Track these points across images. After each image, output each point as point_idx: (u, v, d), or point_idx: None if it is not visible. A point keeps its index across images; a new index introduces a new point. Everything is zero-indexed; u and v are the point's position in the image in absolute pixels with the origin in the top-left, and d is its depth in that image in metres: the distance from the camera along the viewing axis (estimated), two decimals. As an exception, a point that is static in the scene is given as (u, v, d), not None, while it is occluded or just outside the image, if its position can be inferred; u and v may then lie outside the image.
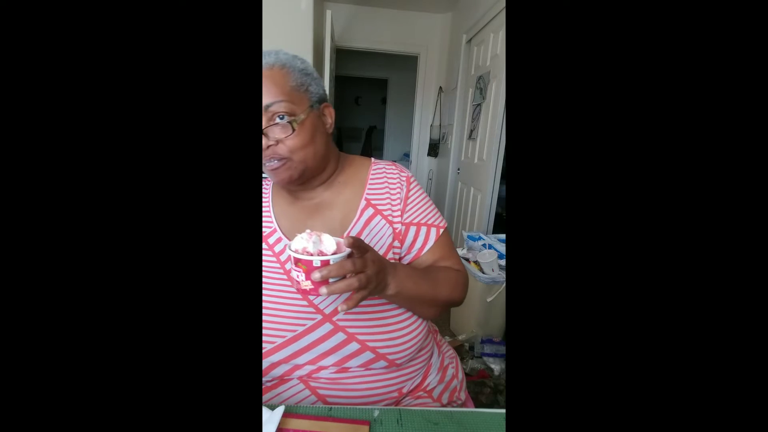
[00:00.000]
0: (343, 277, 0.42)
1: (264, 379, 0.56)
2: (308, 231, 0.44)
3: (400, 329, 0.56)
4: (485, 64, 2.30)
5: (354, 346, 0.54)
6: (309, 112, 0.56)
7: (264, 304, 0.56)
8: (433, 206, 0.66)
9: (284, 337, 0.54)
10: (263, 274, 0.59)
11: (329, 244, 0.43)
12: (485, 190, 2.19)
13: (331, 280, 0.42)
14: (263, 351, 0.54)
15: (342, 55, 3.41)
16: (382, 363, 0.55)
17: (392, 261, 0.57)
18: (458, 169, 2.79)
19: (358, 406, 0.50)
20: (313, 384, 0.54)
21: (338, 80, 3.47)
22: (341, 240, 0.44)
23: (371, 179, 0.64)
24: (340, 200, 0.63)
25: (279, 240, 0.61)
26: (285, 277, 0.58)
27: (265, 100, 0.53)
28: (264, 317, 0.55)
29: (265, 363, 0.54)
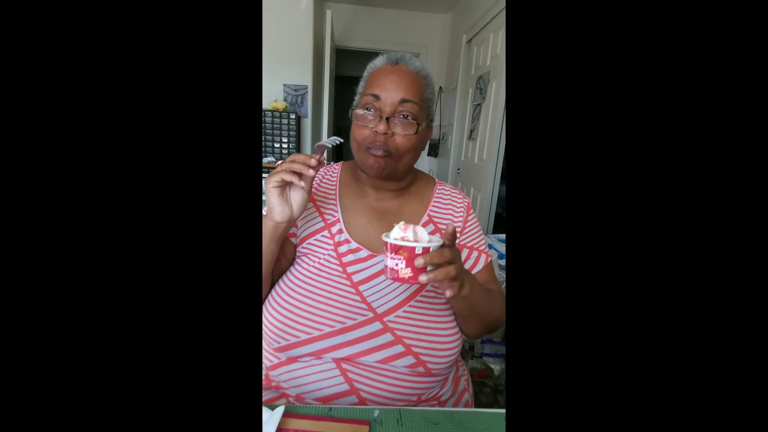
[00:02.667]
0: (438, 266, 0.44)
1: (301, 359, 0.56)
2: (402, 222, 0.46)
3: (445, 342, 0.57)
4: (485, 64, 2.30)
5: (398, 348, 0.55)
6: (425, 125, 0.62)
7: (318, 291, 0.57)
8: (483, 235, 0.71)
9: (332, 327, 0.55)
10: (320, 261, 0.60)
11: (424, 234, 0.46)
12: (485, 190, 2.20)
13: (428, 268, 0.44)
14: (310, 336, 0.54)
15: (342, 55, 3.40)
16: (420, 369, 0.56)
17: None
18: (458, 169, 2.79)
19: (358, 406, 0.50)
20: (345, 365, 0.55)
21: (338, 80, 3.46)
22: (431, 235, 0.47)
23: (436, 197, 0.69)
24: (406, 211, 0.67)
25: (341, 231, 0.62)
26: (341, 268, 0.59)
27: (403, 94, 0.58)
28: (316, 304, 0.56)
29: (309, 348, 0.54)
